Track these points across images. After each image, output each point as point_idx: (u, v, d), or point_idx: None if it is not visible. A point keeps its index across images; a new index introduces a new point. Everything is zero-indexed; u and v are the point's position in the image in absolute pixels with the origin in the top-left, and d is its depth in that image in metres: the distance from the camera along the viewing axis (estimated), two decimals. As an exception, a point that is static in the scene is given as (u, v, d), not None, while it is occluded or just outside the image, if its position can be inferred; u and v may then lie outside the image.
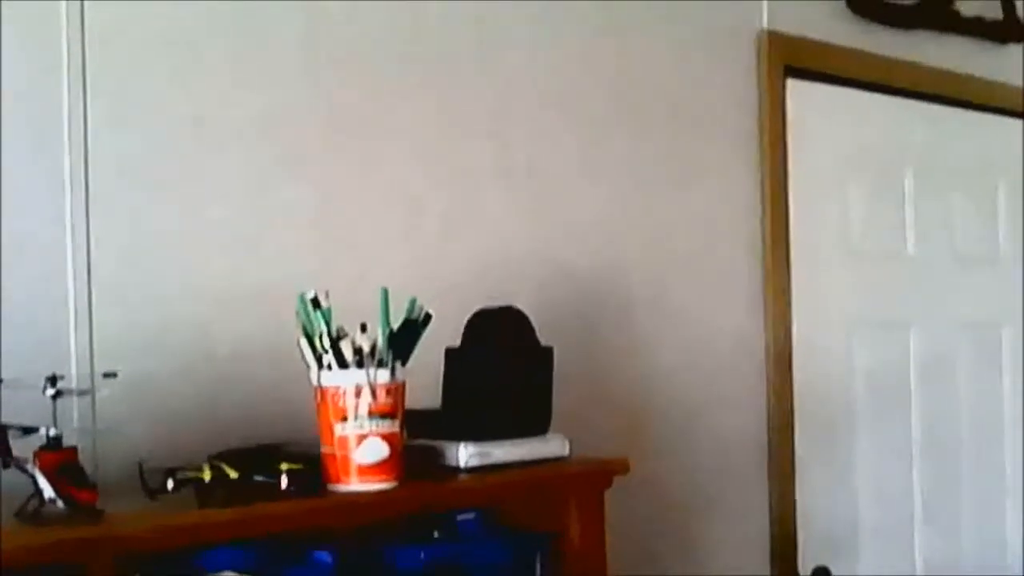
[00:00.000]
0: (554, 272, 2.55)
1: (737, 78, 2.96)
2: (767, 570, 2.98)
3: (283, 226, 2.16)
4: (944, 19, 3.42)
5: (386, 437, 1.73)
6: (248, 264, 2.11)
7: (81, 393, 1.61)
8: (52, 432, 1.54)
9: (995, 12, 3.57)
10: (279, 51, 2.17)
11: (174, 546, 1.54)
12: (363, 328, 1.74)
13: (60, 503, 1.50)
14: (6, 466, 1.54)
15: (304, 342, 1.75)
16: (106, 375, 1.63)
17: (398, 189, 2.32)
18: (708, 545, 2.84)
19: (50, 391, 1.55)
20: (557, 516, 2.00)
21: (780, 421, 2.99)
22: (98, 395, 1.69)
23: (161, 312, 2.00)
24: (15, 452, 1.55)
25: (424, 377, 1.93)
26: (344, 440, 1.73)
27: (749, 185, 2.97)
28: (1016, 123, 3.70)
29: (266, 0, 2.15)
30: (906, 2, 3.33)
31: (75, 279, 1.92)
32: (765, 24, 3.00)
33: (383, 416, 1.73)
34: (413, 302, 1.81)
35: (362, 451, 1.72)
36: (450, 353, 2.02)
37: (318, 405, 1.75)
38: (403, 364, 1.77)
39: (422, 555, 1.85)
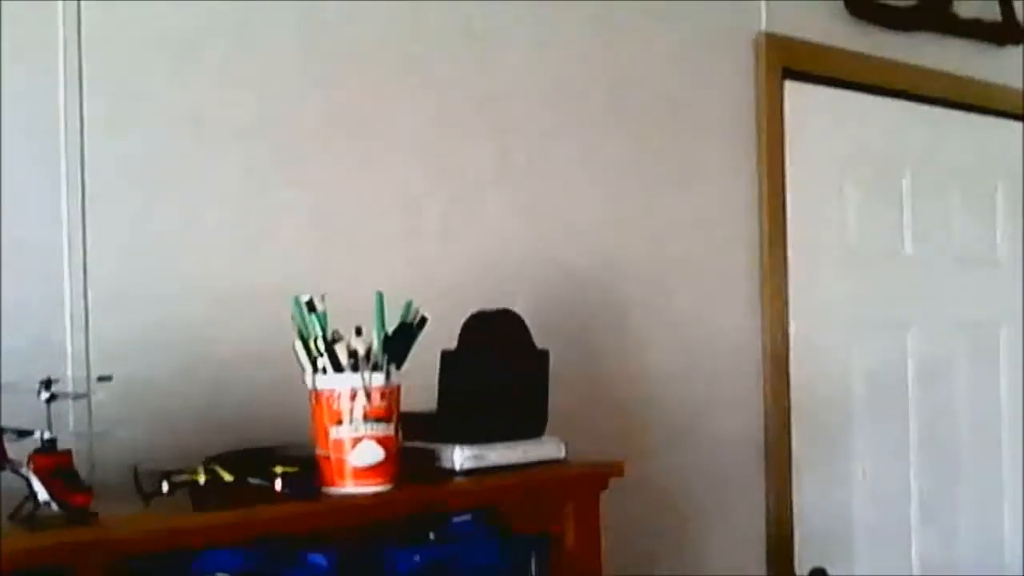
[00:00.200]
0: (552, 273, 2.55)
1: (735, 80, 2.97)
2: (763, 571, 2.99)
3: (281, 228, 2.16)
4: (942, 21, 3.42)
5: (381, 440, 1.74)
6: (246, 266, 2.11)
7: (76, 397, 1.61)
8: (47, 435, 1.54)
9: (993, 14, 3.57)
10: (277, 52, 2.18)
11: (168, 549, 1.54)
12: (358, 331, 1.74)
13: (55, 506, 1.51)
14: (1, 469, 1.54)
15: (299, 345, 1.76)
16: (101, 379, 1.63)
17: (396, 190, 2.33)
18: (705, 546, 2.84)
19: (45, 395, 1.55)
20: (553, 518, 2.00)
21: (777, 422, 2.99)
22: (93, 399, 1.68)
23: (158, 314, 2.00)
24: (11, 455, 1.55)
25: (420, 379, 1.94)
26: (339, 443, 1.73)
27: (747, 186, 2.98)
28: (1014, 124, 3.71)
29: (263, 2, 2.15)
30: (904, 4, 3.33)
31: (72, 281, 1.92)
32: (763, 26, 3.00)
33: (378, 419, 1.74)
34: (408, 305, 1.81)
35: (357, 454, 1.73)
36: (446, 356, 2.02)
37: (313, 408, 1.75)
38: (398, 367, 1.78)
39: (417, 557, 1.84)
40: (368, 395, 1.73)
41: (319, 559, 1.73)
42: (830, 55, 3.14)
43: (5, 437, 1.54)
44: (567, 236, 2.60)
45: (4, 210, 1.85)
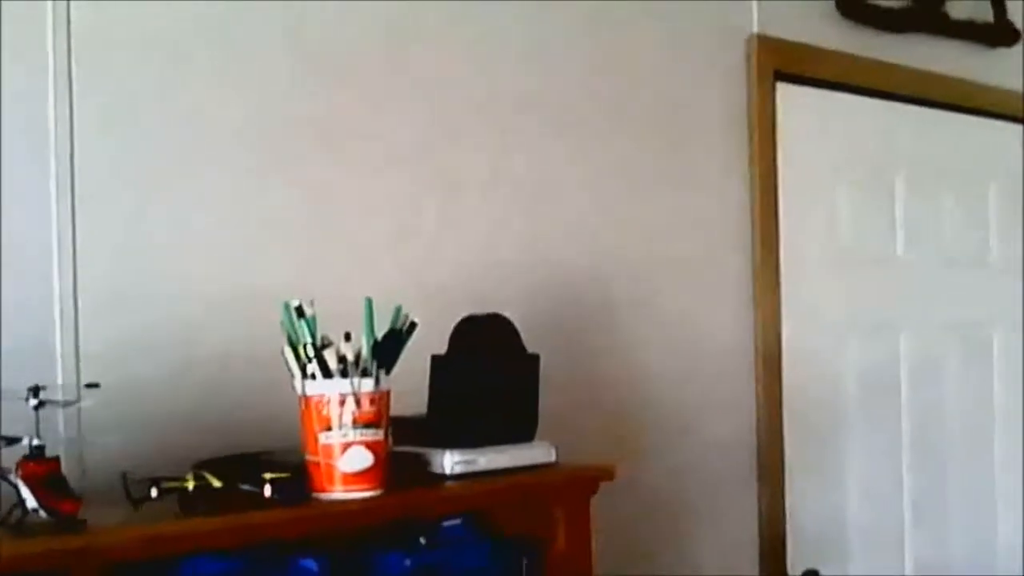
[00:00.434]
0: (544, 277, 2.55)
1: (727, 82, 2.97)
2: (756, 573, 2.99)
3: (272, 231, 2.16)
4: (934, 22, 3.42)
5: (370, 446, 1.74)
6: (237, 269, 2.11)
7: (65, 405, 1.61)
8: (35, 442, 1.53)
9: (985, 15, 3.57)
10: (268, 54, 2.17)
11: (157, 556, 1.54)
12: (347, 337, 1.74)
13: (43, 513, 1.50)
14: (-10, 476, 1.54)
15: (288, 351, 1.76)
16: (88, 386, 1.63)
17: (388, 193, 2.32)
18: (697, 548, 2.84)
19: (33, 401, 1.55)
20: (543, 522, 2.00)
21: (769, 424, 2.99)
22: (81, 405, 1.68)
23: (149, 318, 2.00)
24: (-1, 462, 1.55)
25: (411, 383, 1.94)
26: (328, 448, 1.73)
27: (739, 189, 2.98)
28: (1007, 126, 3.71)
29: (255, 2, 2.15)
30: (896, 5, 3.33)
31: (61, 285, 1.91)
32: (755, 28, 3.00)
33: (367, 425, 1.74)
34: (398, 311, 1.81)
35: (346, 459, 1.73)
36: (436, 360, 2.02)
37: (302, 414, 1.75)
38: (387, 373, 1.78)
39: (408, 562, 1.85)
40: (357, 401, 1.73)
41: (310, 564, 1.73)
42: (822, 57, 3.14)
43: (-7, 444, 1.54)
44: (559, 239, 2.60)
45: (-5, 213, 1.85)
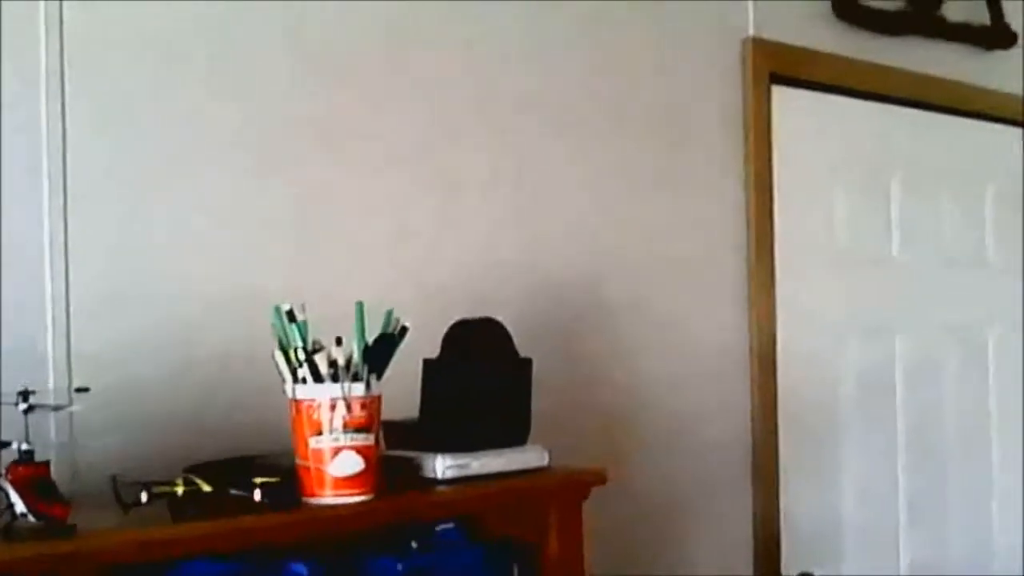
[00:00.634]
0: (539, 280, 2.55)
1: (722, 85, 2.97)
2: (751, 574, 2.98)
3: (266, 233, 2.16)
4: (931, 25, 3.42)
5: (361, 450, 1.74)
6: (230, 271, 2.11)
7: (55, 409, 1.61)
8: (24, 447, 1.53)
9: (982, 17, 3.57)
10: (263, 55, 2.17)
11: (146, 560, 1.54)
12: (338, 341, 1.74)
13: (32, 518, 1.50)
14: (-22, 481, 1.54)
15: (279, 355, 1.75)
16: (78, 390, 1.63)
17: (382, 196, 2.32)
18: (692, 549, 2.84)
19: (22, 406, 1.55)
20: (536, 526, 2.00)
21: (764, 426, 3.00)
22: (71, 410, 1.68)
23: (141, 320, 2.00)
24: (-11, 466, 1.55)
25: (404, 386, 1.94)
26: (319, 453, 1.73)
27: (735, 191, 2.98)
28: (1004, 128, 3.71)
29: (247, 6, 2.14)
30: (892, 8, 3.33)
31: (53, 287, 1.91)
32: (751, 31, 3.00)
33: (358, 429, 1.74)
34: (389, 315, 1.81)
35: (337, 464, 1.73)
36: (428, 364, 2.02)
37: (293, 418, 1.75)
38: (379, 377, 1.77)
39: (400, 566, 1.85)
40: (348, 405, 1.73)
41: (301, 568, 1.73)
42: (818, 59, 3.14)
43: (-17, 448, 1.54)
44: (554, 241, 2.60)
45: (-15, 215, 1.85)
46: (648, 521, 2.73)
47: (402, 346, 1.83)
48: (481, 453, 1.95)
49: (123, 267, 1.99)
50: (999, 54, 3.64)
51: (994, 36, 3.59)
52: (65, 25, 1.94)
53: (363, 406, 1.74)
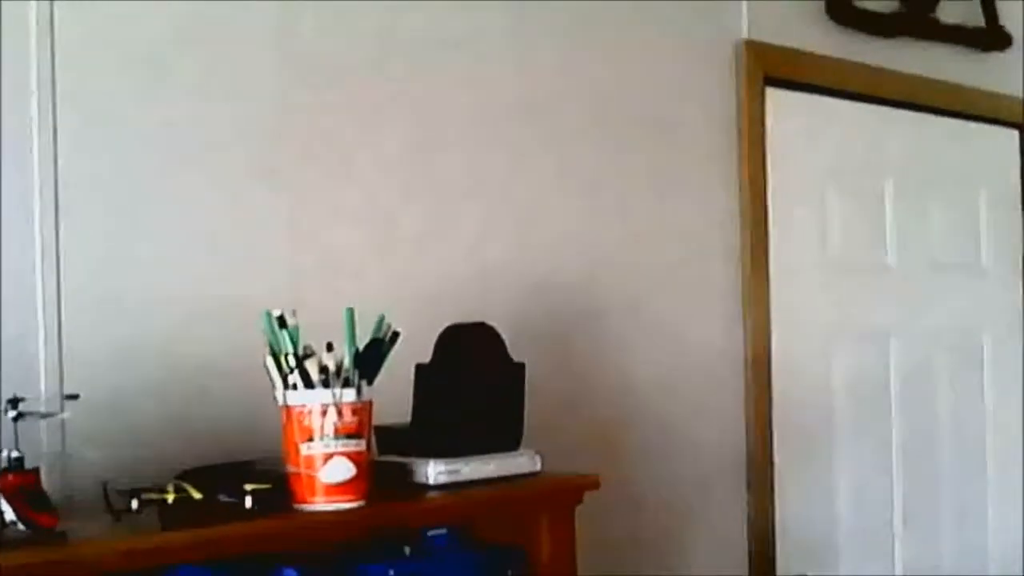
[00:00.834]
0: (531, 285, 2.54)
1: (716, 88, 2.96)
2: (745, 579, 2.99)
3: (256, 241, 2.15)
4: (925, 27, 3.42)
5: (352, 456, 1.73)
6: (221, 279, 2.10)
7: (43, 416, 1.60)
8: (14, 455, 1.53)
9: (977, 19, 3.57)
10: (252, 66, 2.16)
11: (135, 569, 1.53)
12: (329, 347, 1.74)
13: (21, 526, 1.50)
14: (-33, 489, 1.54)
15: (270, 361, 1.75)
16: (68, 397, 1.62)
17: (372, 203, 2.32)
18: (686, 554, 2.84)
19: (11, 413, 1.55)
20: (528, 531, 2.00)
21: (759, 430, 2.99)
22: (61, 417, 1.68)
23: (133, 328, 1.99)
24: (-22, 474, 1.54)
25: (396, 392, 1.94)
26: (310, 459, 1.73)
27: (728, 195, 2.97)
28: (999, 131, 3.71)
29: (237, 13, 2.14)
30: (887, 10, 3.32)
31: (44, 296, 1.91)
32: (744, 33, 3.00)
33: (349, 436, 1.73)
34: (380, 321, 1.81)
35: (328, 470, 1.72)
36: (420, 369, 2.01)
37: (284, 424, 1.75)
38: (370, 383, 1.77)
39: (391, 572, 1.84)
40: (339, 411, 1.72)
41: (292, 574, 1.72)
42: (812, 62, 3.14)
43: (-28, 456, 1.54)
44: (547, 246, 2.60)
45: (-25, 227, 1.84)
46: (642, 525, 2.73)
47: (394, 351, 1.83)
48: (473, 458, 1.94)
49: (114, 274, 1.99)
50: (994, 56, 3.64)
51: (989, 38, 3.59)
52: (56, 32, 1.93)
53: (354, 412, 1.74)
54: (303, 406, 1.73)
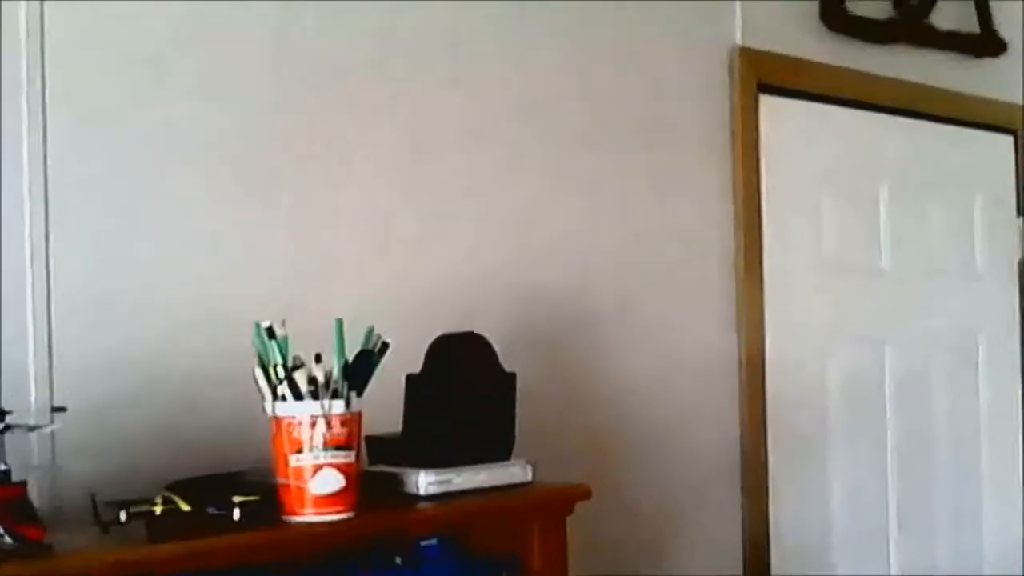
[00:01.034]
0: (525, 290, 2.54)
1: (710, 94, 2.96)
2: (740, 583, 2.99)
3: (248, 249, 2.15)
4: (920, 33, 3.41)
5: (341, 468, 1.73)
6: (214, 287, 2.09)
7: (30, 429, 1.60)
8: (1, 467, 1.53)
9: (971, 26, 3.57)
10: (246, 69, 2.16)
11: (122, 582, 1.53)
12: (317, 359, 1.73)
13: (7, 539, 1.49)
14: (-46, 502, 1.53)
15: (259, 372, 1.75)
16: (55, 409, 1.62)
17: (366, 209, 2.31)
18: (681, 559, 2.84)
19: (-1, 426, 1.55)
20: (519, 541, 2.00)
21: (753, 434, 2.99)
22: (48, 429, 1.68)
23: (124, 338, 1.98)
24: (-35, 487, 1.54)
25: (388, 401, 1.94)
26: (299, 471, 1.72)
27: (722, 201, 2.97)
28: (993, 136, 3.71)
29: (232, 16, 2.14)
30: (881, 17, 3.32)
31: (35, 306, 1.90)
32: (738, 40, 3.00)
33: (338, 447, 1.73)
34: (370, 332, 1.80)
35: (317, 482, 1.72)
36: (411, 379, 2.01)
37: (273, 436, 1.75)
38: (359, 394, 1.77)
39: (382, 583, 1.85)
40: (328, 423, 1.72)
41: (284, 583, 1.72)
42: (806, 68, 3.14)
43: (-41, 469, 1.53)
44: (541, 251, 2.59)
45: (-36, 235, 1.84)
46: (637, 531, 2.73)
47: (385, 361, 1.82)
48: (464, 468, 1.94)
49: (105, 282, 1.98)
50: (988, 62, 3.63)
51: (983, 44, 3.59)
52: (46, 33, 1.93)
53: (343, 423, 1.74)
54: (292, 417, 1.73)
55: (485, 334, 2.06)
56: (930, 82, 3.45)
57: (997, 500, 3.72)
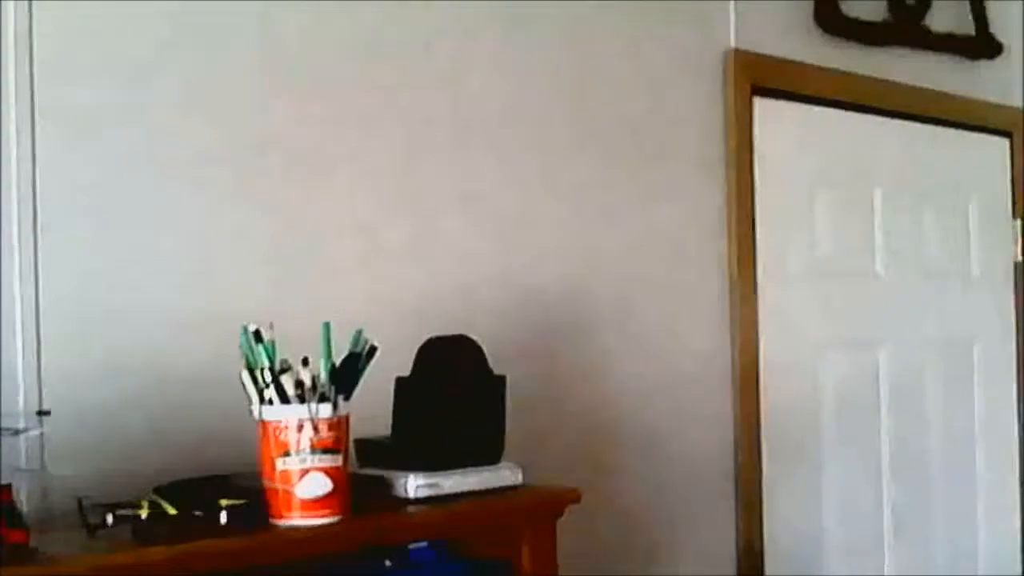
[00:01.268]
0: (516, 296, 2.54)
1: (704, 97, 2.96)
2: (734, 588, 2.98)
3: (237, 254, 2.14)
4: (915, 35, 3.42)
5: (329, 471, 1.73)
6: (202, 292, 2.09)
7: (15, 433, 1.60)
8: (-13, 471, 1.53)
9: (967, 28, 3.56)
10: (234, 77, 2.15)
11: (108, 586, 1.53)
12: (304, 362, 1.73)
13: (-8, 543, 1.49)
14: (-60, 505, 1.53)
15: (246, 375, 1.74)
16: (40, 413, 1.62)
17: (355, 215, 2.31)
18: (674, 565, 2.83)
19: (-16, 430, 1.54)
20: (509, 544, 1.99)
21: (747, 440, 2.99)
22: (35, 433, 1.67)
23: (113, 343, 1.98)
24: (-48, 490, 1.54)
25: (378, 404, 1.93)
26: (286, 474, 1.72)
27: (716, 205, 2.97)
28: (988, 139, 3.71)
29: (222, 20, 2.13)
30: (876, 19, 3.32)
31: (23, 311, 1.89)
32: (732, 43, 2.99)
33: (325, 450, 1.72)
34: (358, 335, 1.80)
35: (304, 485, 1.71)
36: (400, 382, 2.01)
37: (260, 439, 1.74)
38: (347, 398, 1.76)
39: (371, 586, 1.84)
40: (315, 426, 1.71)
41: (272, 588, 1.72)
42: (800, 71, 3.14)
43: (-54, 473, 1.53)
44: (531, 258, 2.58)
45: (-49, 241, 1.83)
46: (629, 537, 2.72)
47: (375, 364, 1.82)
48: (453, 472, 1.93)
49: (93, 287, 1.97)
50: (983, 64, 3.63)
51: (979, 46, 3.59)
52: (35, 40, 1.92)
53: (330, 427, 1.73)
54: (279, 421, 1.72)
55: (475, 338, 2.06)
56: (925, 84, 3.45)
57: (992, 506, 3.71)
